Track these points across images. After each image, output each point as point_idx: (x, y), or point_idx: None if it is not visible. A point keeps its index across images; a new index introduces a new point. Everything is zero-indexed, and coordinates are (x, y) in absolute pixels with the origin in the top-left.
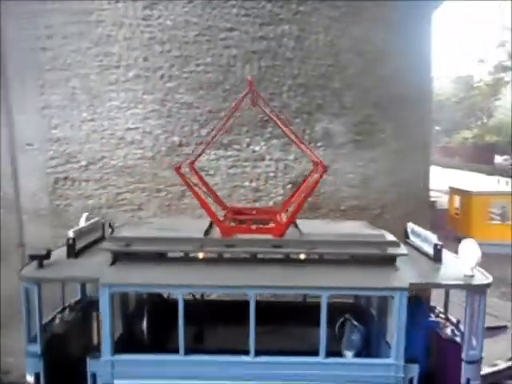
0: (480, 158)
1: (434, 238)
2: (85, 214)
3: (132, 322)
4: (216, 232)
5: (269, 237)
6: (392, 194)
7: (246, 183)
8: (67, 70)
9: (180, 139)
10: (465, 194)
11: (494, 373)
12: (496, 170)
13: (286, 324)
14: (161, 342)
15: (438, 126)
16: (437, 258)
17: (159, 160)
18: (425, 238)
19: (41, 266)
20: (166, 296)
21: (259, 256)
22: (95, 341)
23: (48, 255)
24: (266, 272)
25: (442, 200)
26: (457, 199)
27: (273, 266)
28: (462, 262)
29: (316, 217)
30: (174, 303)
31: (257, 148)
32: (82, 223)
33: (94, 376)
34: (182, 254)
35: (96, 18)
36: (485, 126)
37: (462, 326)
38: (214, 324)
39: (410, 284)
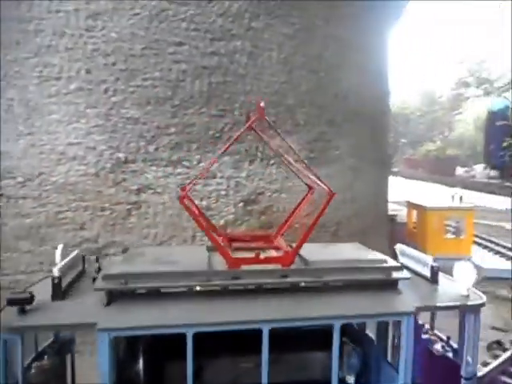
0: (442, 169)
1: (429, 259)
2: (60, 246)
3: (124, 365)
4: (217, 262)
5: (275, 266)
6: (347, 210)
7: (197, 201)
8: (3, 80)
9: (126, 155)
10: (420, 209)
11: (490, 371)
12: (457, 181)
13: (286, 351)
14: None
15: (404, 139)
16: (434, 279)
17: (103, 177)
18: (418, 260)
19: (23, 311)
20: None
21: (265, 286)
22: None
23: (31, 299)
24: (276, 303)
25: (403, 213)
26: (414, 213)
27: (281, 295)
28: (457, 283)
29: None
30: (171, 339)
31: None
32: (58, 256)
33: None
34: (184, 289)
35: (35, 26)
36: (446, 140)
37: (452, 342)
38: (216, 357)
39: (416, 308)
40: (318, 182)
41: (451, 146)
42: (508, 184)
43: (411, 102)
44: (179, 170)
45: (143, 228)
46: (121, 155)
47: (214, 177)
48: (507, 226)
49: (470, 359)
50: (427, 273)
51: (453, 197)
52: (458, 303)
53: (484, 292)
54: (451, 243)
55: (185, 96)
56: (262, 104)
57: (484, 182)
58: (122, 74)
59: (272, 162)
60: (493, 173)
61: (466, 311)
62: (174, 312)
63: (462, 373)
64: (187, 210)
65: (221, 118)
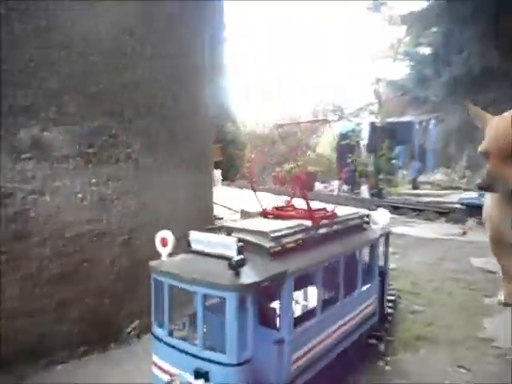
0: (305, 184)
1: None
2: None
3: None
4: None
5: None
6: (144, 216)
7: None
8: None
9: None
10: (249, 217)
11: None
12: (316, 195)
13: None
14: None
15: (272, 159)
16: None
17: None
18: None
19: (237, 274)
20: None
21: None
22: None
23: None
24: (337, 243)
25: None
26: None
27: (332, 239)
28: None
29: (26, 247)
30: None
31: None
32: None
33: None
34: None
35: None
36: (308, 158)
37: None
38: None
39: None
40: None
41: (311, 164)
42: (353, 196)
43: (276, 123)
44: None
45: None
46: None
47: None
48: None
49: None
50: None
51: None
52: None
53: None
54: None
55: None
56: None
57: (340, 196)
58: None
59: (25, 156)
60: (345, 187)
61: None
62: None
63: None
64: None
65: None
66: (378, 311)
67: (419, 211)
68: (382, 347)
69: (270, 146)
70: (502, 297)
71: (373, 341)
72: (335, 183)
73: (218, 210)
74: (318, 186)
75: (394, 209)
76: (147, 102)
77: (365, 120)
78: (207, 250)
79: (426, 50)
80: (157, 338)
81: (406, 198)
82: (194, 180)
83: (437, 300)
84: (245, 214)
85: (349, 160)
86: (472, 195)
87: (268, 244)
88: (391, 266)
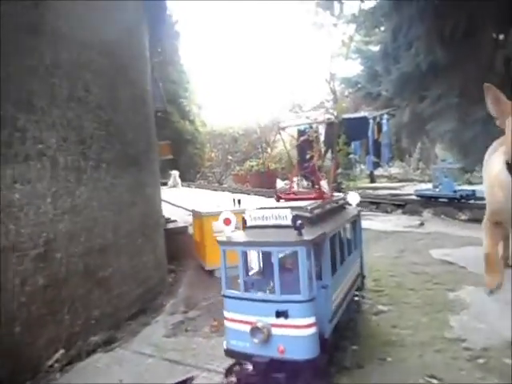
0: (265, 183)
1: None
2: None
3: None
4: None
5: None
6: (67, 224)
7: None
8: None
9: None
10: (198, 216)
11: None
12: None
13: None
14: None
15: (231, 156)
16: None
17: None
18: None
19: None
20: None
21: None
22: None
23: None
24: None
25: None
26: (197, 222)
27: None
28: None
29: None
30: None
31: None
32: None
33: None
34: None
35: None
36: (269, 156)
37: None
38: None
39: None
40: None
41: (272, 162)
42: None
43: (236, 122)
44: None
45: None
46: None
47: None
48: None
49: None
50: None
51: (233, 200)
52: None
53: None
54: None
55: None
56: None
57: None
58: None
59: None
60: (305, 183)
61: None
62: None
63: None
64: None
65: None
66: (360, 273)
67: (377, 204)
68: (346, 360)
69: (231, 143)
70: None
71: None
72: (295, 179)
73: (174, 212)
74: (279, 183)
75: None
76: (68, 89)
77: (321, 117)
78: (262, 223)
79: (376, 48)
80: (231, 297)
81: (364, 192)
82: (136, 179)
83: (400, 297)
84: (195, 215)
85: (307, 156)
86: (426, 187)
87: (308, 214)
88: None
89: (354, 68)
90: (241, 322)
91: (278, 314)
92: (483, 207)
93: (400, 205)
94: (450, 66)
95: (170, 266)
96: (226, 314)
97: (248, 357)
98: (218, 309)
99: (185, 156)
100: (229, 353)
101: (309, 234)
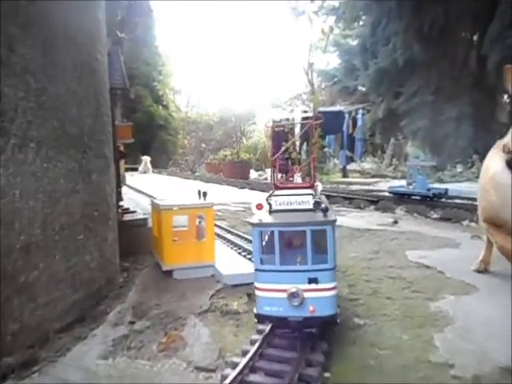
0: (239, 173)
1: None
2: None
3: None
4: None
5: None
6: None
7: None
8: None
9: None
10: (157, 209)
11: None
12: (249, 183)
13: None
14: None
15: (204, 144)
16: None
17: None
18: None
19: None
20: None
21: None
22: None
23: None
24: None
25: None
26: (155, 215)
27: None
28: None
29: None
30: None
31: None
32: None
33: None
34: None
35: None
36: (244, 146)
37: None
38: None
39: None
40: None
41: (247, 152)
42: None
43: (211, 109)
44: None
45: None
46: None
47: None
48: None
49: None
50: None
51: (199, 192)
52: None
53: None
54: (189, 248)
55: None
56: None
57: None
58: None
59: None
60: (279, 175)
61: None
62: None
63: None
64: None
65: None
66: None
67: (351, 200)
68: None
69: (206, 131)
70: (472, 266)
71: None
72: (268, 171)
73: (140, 200)
74: (253, 173)
75: (327, 197)
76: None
77: (298, 108)
78: (286, 207)
79: (354, 42)
80: (266, 270)
81: (338, 187)
82: (79, 164)
83: (377, 308)
84: (154, 206)
85: (282, 148)
86: (400, 183)
87: (319, 200)
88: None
89: (332, 61)
90: (276, 290)
91: (310, 281)
92: (455, 206)
93: (373, 201)
94: (426, 63)
95: (124, 264)
96: (259, 285)
97: (282, 319)
98: (171, 319)
99: (157, 142)
100: (261, 317)
101: (329, 216)
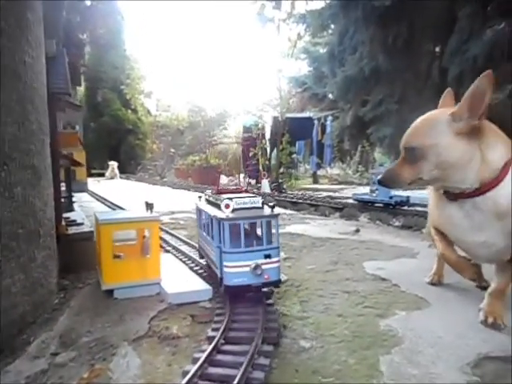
0: (209, 179)
1: None
2: None
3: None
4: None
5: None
6: None
7: None
8: None
9: None
10: (97, 223)
11: None
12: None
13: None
14: None
15: (173, 149)
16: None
17: None
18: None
19: (272, 211)
20: None
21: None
22: None
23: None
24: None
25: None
26: (97, 229)
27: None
28: None
29: None
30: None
31: None
32: None
33: None
34: None
35: None
36: (214, 151)
37: None
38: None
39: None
40: None
41: (217, 158)
42: (255, 190)
43: (181, 114)
44: None
45: None
46: None
47: None
48: None
49: None
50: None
51: (146, 204)
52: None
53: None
54: (132, 265)
55: None
56: None
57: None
58: None
59: None
60: (251, 181)
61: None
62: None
63: None
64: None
65: None
66: None
67: (316, 207)
68: None
69: (176, 136)
70: (426, 278)
71: None
72: (240, 177)
73: (101, 208)
74: (224, 179)
75: (293, 204)
76: None
77: (268, 114)
78: (243, 206)
79: (323, 49)
80: (234, 252)
81: (304, 193)
82: (2, 178)
83: (326, 327)
84: (96, 219)
85: (251, 154)
86: (364, 191)
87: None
88: (283, 277)
89: (303, 68)
90: (242, 266)
91: (265, 257)
92: (416, 214)
93: (338, 208)
94: (391, 73)
95: (64, 282)
96: (229, 263)
97: (247, 286)
98: (101, 348)
99: (126, 146)
100: (231, 288)
101: (274, 211)
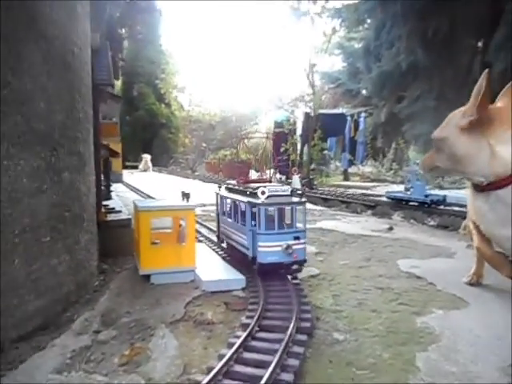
0: (238, 173)
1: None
2: None
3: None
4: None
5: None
6: None
7: None
8: None
9: None
10: (136, 210)
11: None
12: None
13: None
14: None
15: (205, 144)
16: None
17: None
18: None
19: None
20: None
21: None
22: None
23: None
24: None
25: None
26: (136, 217)
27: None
28: None
29: None
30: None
31: None
32: None
33: None
34: None
35: None
36: (244, 146)
37: None
38: None
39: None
40: None
41: (248, 153)
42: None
43: (213, 109)
44: None
45: None
46: None
47: None
48: None
49: None
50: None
51: (182, 194)
52: None
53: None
54: (168, 252)
55: None
56: None
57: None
58: None
59: None
60: (281, 176)
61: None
62: None
63: None
64: None
65: None
66: None
67: (348, 204)
68: None
69: (207, 131)
70: (465, 278)
71: None
72: (269, 172)
73: (136, 198)
74: (254, 174)
75: (324, 200)
76: None
77: (299, 110)
78: (275, 193)
79: (358, 45)
80: (268, 234)
81: (335, 190)
82: (47, 162)
83: (360, 321)
84: (135, 207)
85: (282, 149)
86: (398, 189)
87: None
88: (315, 271)
89: (336, 64)
90: (275, 246)
91: (295, 238)
92: (453, 214)
93: (370, 206)
94: (429, 68)
95: (103, 266)
96: (263, 243)
97: (279, 263)
98: (140, 329)
99: (159, 140)
100: (264, 265)
101: (302, 199)
